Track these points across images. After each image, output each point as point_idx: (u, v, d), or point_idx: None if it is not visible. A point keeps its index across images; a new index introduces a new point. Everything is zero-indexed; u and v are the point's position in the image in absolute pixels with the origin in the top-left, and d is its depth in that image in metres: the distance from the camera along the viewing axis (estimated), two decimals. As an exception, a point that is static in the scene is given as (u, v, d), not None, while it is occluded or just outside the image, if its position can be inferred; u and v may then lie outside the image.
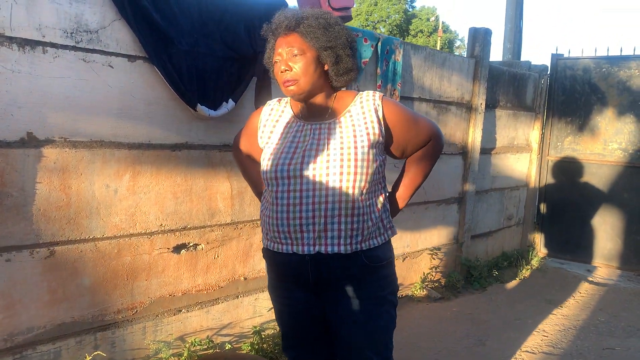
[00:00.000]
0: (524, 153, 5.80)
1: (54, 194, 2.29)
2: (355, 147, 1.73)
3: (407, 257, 4.39)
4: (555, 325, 4.04)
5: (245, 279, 3.11)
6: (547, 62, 5.92)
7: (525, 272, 5.36)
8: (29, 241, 2.25)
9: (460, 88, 4.62)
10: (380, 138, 1.77)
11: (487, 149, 5.15)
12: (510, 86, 5.37)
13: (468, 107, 4.76)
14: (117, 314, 2.57)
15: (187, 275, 2.81)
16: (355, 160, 1.71)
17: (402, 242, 4.29)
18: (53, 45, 2.21)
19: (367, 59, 3.64)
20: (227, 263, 3.00)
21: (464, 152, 4.81)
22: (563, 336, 3.82)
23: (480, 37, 4.77)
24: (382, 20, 37.92)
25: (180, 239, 2.77)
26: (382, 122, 1.79)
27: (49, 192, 2.28)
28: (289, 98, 1.91)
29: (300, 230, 1.74)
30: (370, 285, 1.80)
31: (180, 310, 2.81)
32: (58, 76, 2.23)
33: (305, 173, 1.73)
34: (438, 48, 31.48)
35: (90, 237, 2.43)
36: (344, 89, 1.88)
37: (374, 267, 1.79)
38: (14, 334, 2.25)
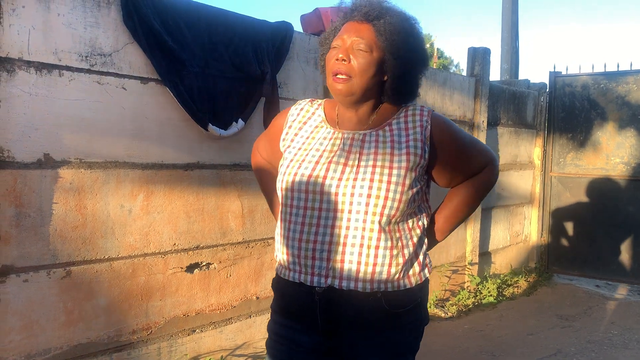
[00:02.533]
0: (527, 170, 5.84)
1: (70, 214, 2.32)
2: (391, 168, 1.42)
3: (416, 275, 4.38)
4: (568, 339, 4.01)
5: (257, 298, 3.11)
6: (545, 79, 6.02)
7: (535, 289, 5.34)
8: (46, 261, 2.27)
9: (462, 106, 4.69)
10: (423, 161, 1.46)
11: (491, 166, 5.18)
12: (511, 104, 5.44)
13: (470, 125, 4.82)
14: (132, 334, 2.57)
15: (201, 294, 2.82)
16: (389, 182, 1.41)
17: (411, 260, 4.29)
18: (69, 68, 2.27)
19: (371, 79, 3.70)
20: (239, 282, 3.01)
21: (468, 169, 4.84)
22: (577, 350, 3.80)
23: (479, 57, 4.86)
24: (378, 49, 38.43)
25: (193, 258, 2.78)
26: (428, 142, 1.47)
27: (65, 213, 2.30)
28: (323, 100, 1.62)
29: (313, 256, 1.44)
30: (391, 336, 1.49)
31: (194, 330, 2.81)
32: (73, 98, 2.29)
33: (327, 189, 1.43)
34: (434, 74, 31.82)
35: (106, 257, 2.45)
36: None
37: (396, 313, 1.47)
38: (32, 355, 2.25)
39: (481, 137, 4.85)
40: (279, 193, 1.53)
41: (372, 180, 1.41)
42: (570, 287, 5.49)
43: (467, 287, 4.89)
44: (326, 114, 1.57)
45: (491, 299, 4.85)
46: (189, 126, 2.68)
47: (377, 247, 1.42)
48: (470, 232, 4.91)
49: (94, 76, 2.34)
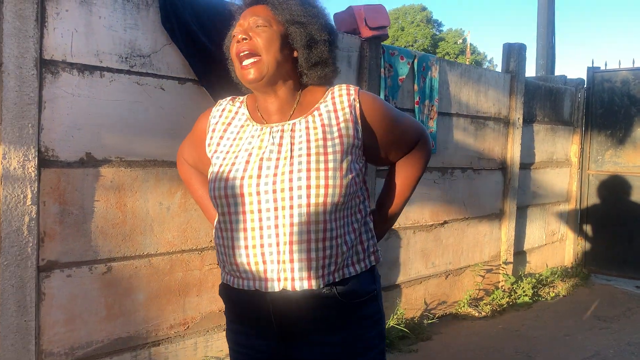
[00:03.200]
0: (564, 168, 5.73)
1: (111, 211, 2.38)
2: (326, 154, 1.35)
3: (449, 274, 4.35)
4: (606, 341, 3.92)
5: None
6: (583, 75, 5.88)
7: (571, 289, 5.24)
8: (88, 257, 2.34)
9: (497, 103, 4.62)
10: (357, 141, 1.40)
11: (526, 164, 5.11)
12: (547, 101, 5.34)
13: (506, 122, 4.75)
14: (169, 329, 2.63)
15: (236, 291, 2.86)
16: (326, 169, 1.33)
17: (444, 260, 4.27)
18: (109, 69, 2.33)
19: (404, 76, 3.70)
20: (273, 279, 3.04)
21: (503, 167, 4.78)
22: (616, 352, 3.71)
23: (515, 52, 4.78)
24: (409, 45, 38.15)
25: (229, 255, 2.83)
26: (360, 122, 1.42)
27: (106, 210, 2.37)
28: (244, 97, 1.54)
29: (263, 260, 1.35)
30: (349, 330, 1.42)
31: (230, 326, 2.85)
32: (114, 99, 2.35)
33: (264, 188, 1.34)
34: (467, 70, 31.42)
35: (145, 253, 2.51)
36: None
37: (351, 305, 1.41)
38: (75, 348, 2.32)
39: (516, 134, 4.78)
40: (213, 202, 1.42)
41: (308, 169, 1.33)
42: (608, 288, 5.37)
43: (502, 286, 4.83)
44: (250, 111, 1.49)
45: (526, 298, 4.78)
46: (225, 125, 2.72)
47: (324, 239, 1.34)
48: (505, 230, 4.84)
49: (134, 77, 2.40)
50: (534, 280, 5.12)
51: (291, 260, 1.33)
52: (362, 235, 1.45)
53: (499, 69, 5.14)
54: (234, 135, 1.46)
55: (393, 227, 3.75)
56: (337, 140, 1.37)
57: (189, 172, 1.69)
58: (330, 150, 1.36)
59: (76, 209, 2.28)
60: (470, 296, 4.49)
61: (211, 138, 1.49)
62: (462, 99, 4.26)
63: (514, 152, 4.79)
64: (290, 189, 1.32)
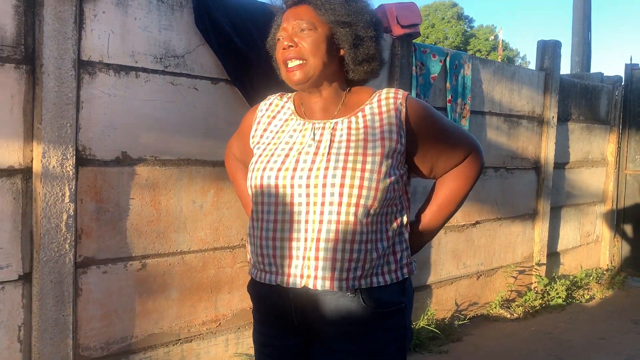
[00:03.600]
0: (600, 167, 5.59)
1: (146, 209, 2.43)
2: (365, 155, 1.33)
3: (481, 275, 4.30)
4: (644, 345, 3.83)
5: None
6: (621, 72, 5.74)
7: (606, 291, 5.12)
8: (123, 254, 2.38)
9: (530, 101, 4.54)
10: (399, 146, 1.36)
11: (561, 164, 5.00)
12: (583, 99, 5.22)
13: (539, 121, 4.66)
14: (201, 325, 2.67)
15: (267, 289, 2.88)
16: (363, 170, 1.31)
17: (476, 260, 4.22)
18: (144, 70, 2.37)
19: (436, 74, 3.66)
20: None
21: (536, 166, 4.70)
22: (654, 357, 3.62)
23: (549, 50, 4.69)
24: (440, 42, 37.77)
25: (260, 253, 2.85)
26: (405, 127, 1.38)
27: (141, 208, 2.41)
28: (293, 94, 1.55)
29: (289, 255, 1.35)
30: (369, 341, 1.37)
31: (261, 324, 2.88)
32: (149, 99, 2.39)
33: (298, 182, 1.34)
34: (499, 67, 30.96)
35: (178, 250, 2.54)
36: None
37: (376, 313, 1.36)
38: (110, 343, 2.37)
39: (551, 133, 4.69)
40: (249, 191, 1.44)
41: (344, 168, 1.31)
42: (646, 291, 5.23)
43: (535, 288, 4.75)
44: (296, 106, 1.50)
45: (560, 300, 4.69)
46: (257, 124, 2.74)
47: (352, 241, 1.31)
48: (538, 231, 4.75)
49: (168, 77, 2.44)
50: (567, 282, 5.02)
51: (316, 258, 1.32)
52: (396, 246, 1.41)
53: (532, 65, 5.04)
54: (277, 129, 1.47)
55: (424, 226, 3.72)
56: (378, 143, 1.35)
57: (235, 165, 1.72)
58: (370, 152, 1.33)
59: (112, 207, 2.33)
60: (502, 297, 4.43)
61: (255, 130, 1.51)
62: (495, 97, 4.20)
63: (548, 151, 4.70)
64: (324, 185, 1.31)
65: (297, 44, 1.37)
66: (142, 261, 2.44)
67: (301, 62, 1.37)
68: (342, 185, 1.30)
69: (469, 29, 39.36)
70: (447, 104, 3.78)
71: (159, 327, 2.52)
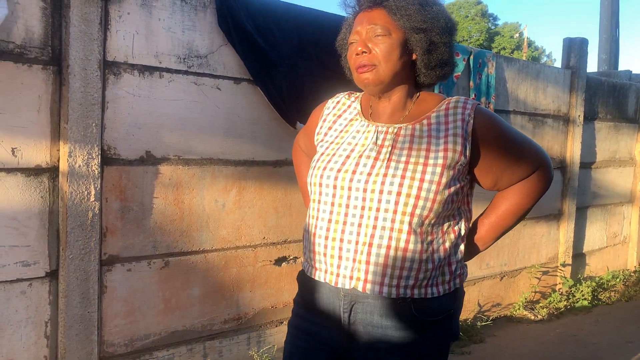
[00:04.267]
0: (627, 167, 5.48)
1: (169, 208, 2.45)
2: (425, 164, 1.31)
3: (504, 276, 4.25)
4: (673, 349, 3.74)
5: (342, 293, 3.15)
6: (650, 70, 5.60)
7: (634, 294, 5.01)
8: (147, 252, 2.42)
9: (556, 100, 4.47)
10: (463, 158, 1.33)
11: (587, 163, 4.91)
12: (610, 97, 5.12)
13: (565, 120, 4.59)
14: (224, 323, 2.69)
15: (288, 287, 2.89)
16: (422, 180, 1.29)
17: (499, 261, 4.17)
18: (168, 70, 2.39)
19: (460, 73, 3.63)
20: (325, 277, 3.06)
21: (562, 166, 4.62)
22: (683, 361, 3.53)
23: (576, 48, 4.60)
24: (464, 40, 37.43)
25: (282, 251, 2.86)
26: (470, 138, 1.35)
27: (165, 207, 2.44)
28: (361, 93, 1.54)
29: (339, 255, 1.36)
30: (415, 348, 1.37)
31: (282, 322, 2.89)
32: (172, 98, 2.41)
33: (356, 185, 1.34)
34: (524, 65, 30.56)
35: (201, 249, 2.57)
36: (430, 90, 1.50)
37: (425, 322, 1.36)
38: (134, 340, 2.41)
39: (577, 132, 4.61)
40: (309, 188, 1.46)
41: (403, 177, 1.30)
42: (675, 294, 5.10)
43: (559, 289, 4.68)
44: (362, 107, 1.49)
45: (585, 302, 4.61)
46: (279, 124, 2.75)
47: (405, 250, 1.31)
48: (564, 232, 4.68)
49: (191, 77, 2.46)
50: (593, 284, 4.93)
51: (367, 262, 1.32)
52: (451, 257, 1.39)
53: (558, 63, 4.96)
54: (341, 128, 1.47)
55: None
56: (440, 153, 1.32)
57: (300, 158, 1.74)
58: (431, 162, 1.31)
59: (136, 206, 2.36)
60: (526, 299, 4.37)
61: (321, 127, 1.51)
62: (520, 96, 4.14)
63: (573, 150, 4.62)
64: (381, 191, 1.31)
65: (370, 49, 1.35)
66: (166, 259, 2.47)
67: (373, 65, 1.36)
68: (398, 194, 1.29)
69: (493, 27, 38.90)
70: (471, 102, 3.74)
71: (181, 324, 2.55)
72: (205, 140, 2.53)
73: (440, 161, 1.31)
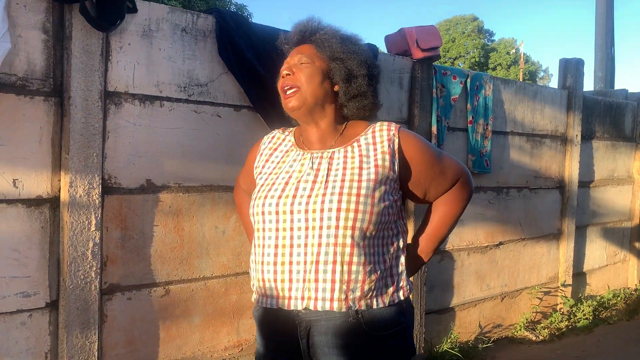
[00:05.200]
0: (626, 185, 5.49)
1: (169, 235, 2.45)
2: (360, 181, 1.43)
3: (505, 296, 4.24)
4: (675, 370, 3.72)
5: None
6: (646, 89, 5.64)
7: (636, 313, 4.99)
8: (147, 280, 2.41)
9: (553, 120, 4.50)
10: (392, 173, 1.47)
11: (585, 182, 4.93)
12: (607, 116, 5.15)
13: (563, 140, 4.61)
14: (224, 351, 2.67)
15: (289, 313, 2.88)
16: (358, 195, 1.40)
17: (500, 282, 4.16)
18: (169, 99, 2.41)
19: (457, 96, 3.65)
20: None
21: (560, 185, 4.64)
22: (686, 383, 3.51)
23: (572, 68, 4.65)
24: (461, 57, 37.68)
25: (282, 278, 2.85)
26: (397, 156, 1.49)
27: (165, 234, 2.44)
28: (294, 128, 1.69)
29: (289, 278, 1.42)
30: None
31: (283, 349, 2.87)
32: (173, 127, 2.43)
33: (297, 208, 1.43)
34: (520, 80, 30.77)
35: (201, 276, 2.56)
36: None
37: (378, 337, 1.44)
38: (134, 369, 2.39)
39: (575, 151, 4.63)
40: (252, 219, 1.54)
41: (341, 194, 1.40)
42: (676, 312, 5.08)
43: (560, 309, 4.66)
44: (296, 139, 1.63)
45: (587, 322, 4.59)
46: (278, 150, 2.76)
47: (350, 263, 1.40)
48: (564, 251, 4.68)
49: (192, 105, 2.48)
50: (594, 303, 4.92)
51: (316, 280, 1.40)
52: (393, 269, 1.50)
53: (555, 79, 5.03)
54: (278, 160, 1.59)
55: (446, 248, 3.70)
56: (372, 170, 1.45)
57: (241, 197, 1.85)
58: (364, 178, 1.44)
59: (136, 234, 2.37)
60: (527, 319, 4.35)
61: (259, 161, 1.64)
62: (517, 117, 4.17)
63: (572, 170, 4.64)
64: (322, 210, 1.40)
65: (294, 72, 1.53)
66: (166, 287, 2.46)
67: (295, 89, 1.52)
68: (338, 210, 1.39)
69: (489, 43, 39.20)
70: (468, 124, 3.77)
71: (182, 352, 2.54)
72: (206, 167, 2.54)
73: (372, 177, 1.44)
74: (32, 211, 2.11)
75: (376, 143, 1.51)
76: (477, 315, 4.03)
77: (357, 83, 1.55)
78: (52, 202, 2.15)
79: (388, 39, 3.45)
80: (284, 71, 1.56)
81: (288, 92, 1.54)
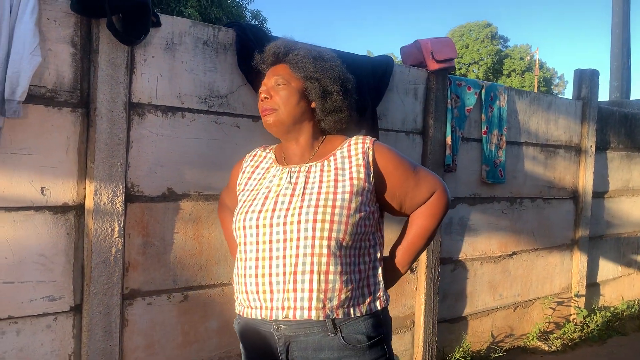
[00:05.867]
0: (641, 196, 5.48)
1: (189, 242, 2.52)
2: (335, 193, 1.49)
3: (518, 306, 4.25)
4: (689, 383, 3.71)
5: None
6: (662, 99, 5.63)
7: (650, 324, 4.98)
8: (167, 286, 2.48)
9: (567, 131, 4.52)
10: (367, 185, 1.53)
11: (600, 193, 4.93)
12: (622, 127, 5.15)
13: (577, 150, 4.63)
14: (239, 357, 2.71)
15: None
16: (333, 207, 1.46)
17: (512, 291, 4.18)
18: (190, 110, 2.48)
19: (471, 107, 3.69)
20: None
21: (574, 196, 4.64)
22: (700, 396, 3.51)
23: (586, 79, 4.66)
24: (475, 63, 37.58)
25: (297, 285, 2.91)
26: (372, 168, 1.55)
27: (185, 241, 2.51)
28: (275, 145, 1.78)
29: (270, 289, 1.48)
30: None
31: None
32: (194, 137, 2.50)
33: (276, 221, 1.49)
34: (535, 87, 30.59)
35: (219, 282, 2.63)
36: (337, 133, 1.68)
37: (356, 349, 1.48)
38: (153, 372, 2.46)
39: (589, 162, 4.64)
40: (234, 233, 1.60)
41: (317, 206, 1.46)
42: (691, 324, 5.06)
43: (573, 319, 4.66)
44: (277, 156, 1.70)
45: (600, 333, 4.59)
46: (295, 160, 2.82)
47: (327, 272, 1.45)
48: (577, 261, 4.68)
49: (212, 116, 2.55)
50: (608, 314, 4.91)
51: (294, 290, 1.45)
52: (370, 279, 1.55)
53: (570, 85, 5.01)
54: (259, 177, 1.66)
55: (459, 258, 3.73)
56: (347, 182, 1.51)
57: (223, 212, 1.93)
58: (340, 190, 1.50)
59: (157, 241, 2.43)
60: (539, 329, 4.36)
61: (241, 179, 1.72)
62: (532, 128, 4.19)
63: (586, 180, 4.65)
64: (299, 222, 1.46)
65: (272, 96, 1.60)
66: (185, 293, 2.53)
67: (273, 109, 1.59)
68: (314, 221, 1.45)
69: (503, 49, 39.07)
70: (482, 135, 3.80)
71: (199, 356, 2.60)
72: (224, 176, 2.59)
73: (347, 188, 1.50)
74: (59, 218, 2.19)
75: (351, 156, 1.57)
76: (489, 325, 4.05)
77: (332, 99, 1.61)
78: (78, 210, 2.23)
79: (404, 51, 3.51)
80: (262, 94, 1.62)
81: (265, 113, 1.61)
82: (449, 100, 3.54)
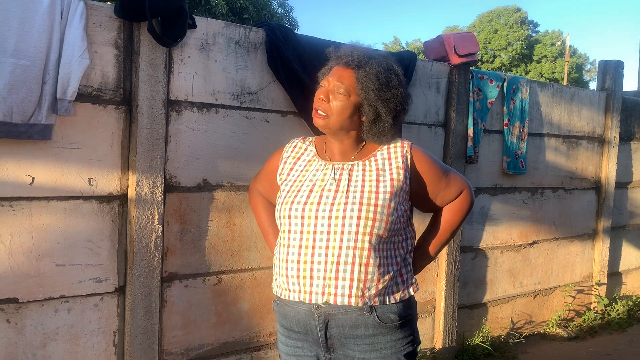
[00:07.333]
0: (666, 186, 5.48)
1: (222, 230, 2.70)
2: (377, 192, 1.62)
3: (538, 294, 4.35)
4: None
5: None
6: (690, 89, 5.59)
7: (672, 314, 5.01)
8: (202, 270, 2.67)
9: (591, 122, 4.56)
10: (405, 186, 1.67)
11: (623, 183, 4.97)
12: (647, 117, 5.16)
13: (600, 141, 4.67)
14: (269, 336, 2.91)
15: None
16: (376, 205, 1.60)
17: (533, 279, 4.28)
18: (223, 106, 2.65)
19: (493, 99, 3.78)
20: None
21: (597, 186, 4.70)
22: None
23: (611, 70, 4.69)
24: (503, 49, 36.99)
25: (323, 271, 3.07)
26: (410, 170, 1.69)
27: (218, 229, 2.69)
28: (314, 137, 1.87)
29: (310, 275, 1.61)
30: (384, 348, 1.66)
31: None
32: (227, 132, 2.67)
33: (321, 214, 1.62)
34: (565, 73, 30.03)
35: (249, 267, 2.81)
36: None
37: (389, 327, 1.65)
38: (189, 349, 2.66)
39: (612, 153, 4.68)
40: (278, 221, 1.72)
41: (361, 204, 1.60)
42: None
43: (594, 308, 4.74)
44: (317, 149, 1.80)
45: (620, 321, 4.66)
46: (321, 152, 2.97)
47: (367, 265, 1.59)
48: (599, 251, 4.74)
49: (243, 112, 2.71)
50: (630, 303, 4.96)
51: (336, 278, 1.59)
52: (402, 269, 1.70)
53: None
54: (301, 168, 1.76)
55: (480, 246, 3.84)
56: (388, 183, 1.65)
57: (258, 200, 2.01)
58: (381, 190, 1.63)
59: (193, 228, 2.62)
60: (559, 317, 4.45)
61: (282, 169, 1.80)
62: (554, 119, 4.26)
63: (609, 171, 4.69)
64: (344, 217, 1.59)
65: (329, 100, 1.67)
66: (218, 276, 2.72)
67: (325, 115, 1.67)
68: (359, 218, 1.59)
69: (533, 34, 38.33)
70: (504, 127, 3.89)
71: (231, 336, 2.79)
72: (255, 167, 2.75)
73: (388, 189, 1.64)
74: (104, 207, 2.38)
75: (391, 158, 1.70)
76: (509, 312, 4.16)
77: (381, 124, 1.70)
78: (121, 199, 2.42)
79: (427, 45, 3.61)
80: (320, 94, 1.68)
81: (318, 112, 1.68)
82: (471, 94, 3.64)
